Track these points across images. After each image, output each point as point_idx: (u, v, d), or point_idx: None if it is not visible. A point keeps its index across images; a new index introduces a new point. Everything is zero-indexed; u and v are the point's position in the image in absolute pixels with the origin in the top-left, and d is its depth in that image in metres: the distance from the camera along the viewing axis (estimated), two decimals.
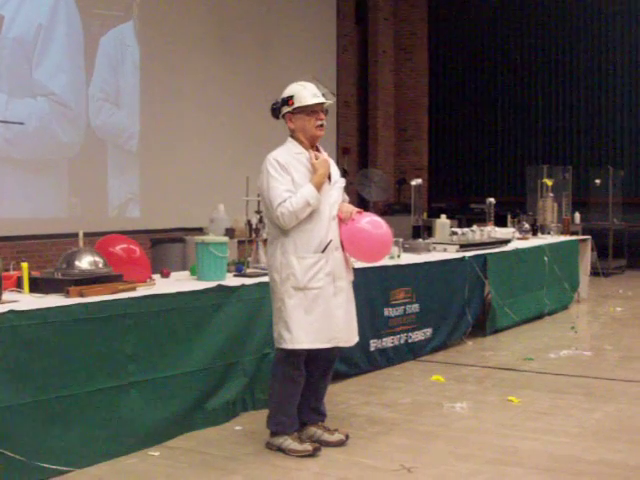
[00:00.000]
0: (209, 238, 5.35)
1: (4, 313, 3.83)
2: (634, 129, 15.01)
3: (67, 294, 4.25)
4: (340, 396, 5.53)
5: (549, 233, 10.21)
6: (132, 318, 4.37)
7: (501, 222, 9.79)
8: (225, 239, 5.33)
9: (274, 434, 4.44)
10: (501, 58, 16.08)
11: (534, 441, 4.63)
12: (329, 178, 4.41)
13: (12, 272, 4.60)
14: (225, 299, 4.94)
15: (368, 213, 4.58)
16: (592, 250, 10.64)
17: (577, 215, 13.05)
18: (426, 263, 7.02)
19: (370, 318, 6.18)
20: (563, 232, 10.39)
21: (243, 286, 5.07)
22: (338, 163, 4.70)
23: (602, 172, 14.31)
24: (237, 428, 4.85)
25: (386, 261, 6.60)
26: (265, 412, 4.56)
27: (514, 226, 9.81)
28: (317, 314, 4.30)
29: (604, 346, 7.46)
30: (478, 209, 13.62)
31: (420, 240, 7.60)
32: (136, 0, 10.71)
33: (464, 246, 7.73)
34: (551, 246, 9.32)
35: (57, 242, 9.18)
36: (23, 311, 3.92)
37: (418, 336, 6.81)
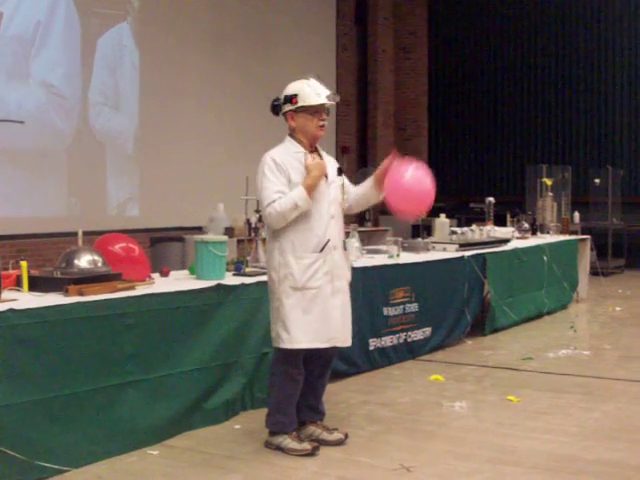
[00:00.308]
0: (208, 237, 5.35)
1: (3, 312, 3.83)
2: (633, 129, 15.01)
3: (66, 293, 4.25)
4: (339, 395, 5.53)
5: (548, 233, 10.21)
6: (131, 317, 4.37)
7: (500, 221, 9.78)
8: (224, 238, 5.33)
9: (273, 433, 4.44)
10: (501, 58, 16.08)
11: (533, 440, 4.63)
12: (326, 176, 4.40)
13: (11, 271, 4.60)
14: (224, 298, 4.94)
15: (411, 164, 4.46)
16: (591, 250, 10.64)
17: (576, 215, 13.05)
18: (425, 262, 7.02)
19: (369, 317, 6.18)
20: (562, 232, 10.39)
21: (242, 285, 5.07)
22: (337, 162, 4.67)
23: (602, 172, 14.31)
24: (236, 427, 4.85)
25: (385, 260, 6.61)
26: (264, 411, 4.56)
27: (513, 225, 9.81)
28: (315, 314, 4.29)
29: (603, 345, 7.46)
30: (477, 208, 13.61)
31: (419, 239, 7.61)
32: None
33: (463, 245, 7.73)
34: (550, 246, 9.32)
35: (56, 241, 9.18)
36: (22, 310, 3.91)
37: (417, 335, 6.81)
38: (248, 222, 5.76)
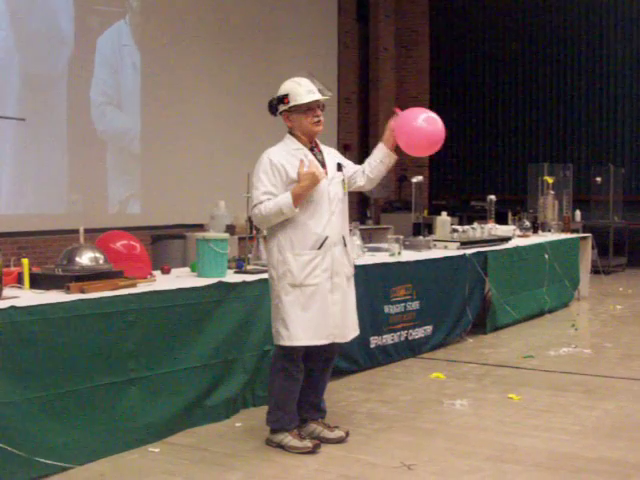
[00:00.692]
0: (210, 235, 5.35)
1: (5, 309, 3.84)
2: (635, 127, 14.99)
3: (68, 290, 4.26)
4: (340, 393, 5.54)
5: (550, 231, 10.20)
6: (132, 314, 4.38)
7: (502, 220, 9.79)
8: (226, 236, 5.33)
9: (274, 431, 4.44)
10: (502, 55, 16.06)
11: (534, 438, 4.63)
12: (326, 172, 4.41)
13: (12, 268, 4.61)
14: (225, 296, 4.94)
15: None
16: (593, 248, 10.63)
17: (578, 213, 13.04)
18: (427, 260, 7.01)
19: (370, 315, 6.18)
20: (564, 230, 10.38)
21: (243, 283, 5.07)
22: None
23: (603, 170, 14.30)
24: (237, 425, 4.86)
25: (386, 258, 6.61)
26: (265, 409, 4.56)
27: (515, 224, 9.81)
28: (314, 311, 4.30)
29: (604, 344, 7.46)
30: (479, 206, 13.61)
31: (421, 237, 7.60)
32: None
33: (465, 243, 7.72)
34: (552, 244, 9.32)
35: (57, 238, 9.19)
36: (24, 307, 3.92)
37: (418, 333, 6.82)
38: (249, 220, 5.76)
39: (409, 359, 6.67)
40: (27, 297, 4.13)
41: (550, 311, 9.08)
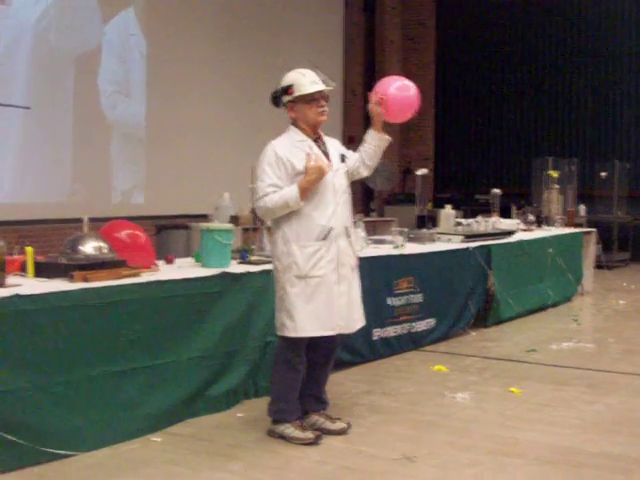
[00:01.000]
0: (214, 225, 5.36)
1: (9, 297, 3.84)
2: None
3: (71, 279, 4.26)
4: (342, 385, 5.54)
5: (554, 225, 10.19)
6: (136, 304, 4.38)
7: (506, 213, 9.77)
8: (230, 226, 5.33)
9: (276, 422, 4.45)
10: (508, 48, 16.02)
11: (535, 432, 4.63)
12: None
13: (16, 256, 4.61)
14: (229, 286, 4.94)
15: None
16: (596, 243, 10.62)
17: (582, 207, 13.01)
18: (430, 253, 7.01)
19: (373, 307, 6.17)
20: (568, 224, 10.37)
21: (247, 273, 5.07)
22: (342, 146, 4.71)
23: (608, 165, 14.27)
24: (239, 415, 4.87)
25: (390, 251, 6.61)
26: (267, 400, 4.57)
27: (519, 217, 9.79)
28: (319, 302, 4.30)
29: (607, 338, 7.46)
30: (483, 200, 13.59)
31: (424, 230, 7.59)
32: None
33: (468, 237, 7.72)
34: (555, 238, 9.31)
35: (61, 227, 9.18)
36: (27, 295, 3.92)
37: (421, 326, 6.82)
38: (254, 211, 5.75)
39: (411, 352, 6.67)
40: (31, 285, 4.13)
41: (553, 305, 9.08)
